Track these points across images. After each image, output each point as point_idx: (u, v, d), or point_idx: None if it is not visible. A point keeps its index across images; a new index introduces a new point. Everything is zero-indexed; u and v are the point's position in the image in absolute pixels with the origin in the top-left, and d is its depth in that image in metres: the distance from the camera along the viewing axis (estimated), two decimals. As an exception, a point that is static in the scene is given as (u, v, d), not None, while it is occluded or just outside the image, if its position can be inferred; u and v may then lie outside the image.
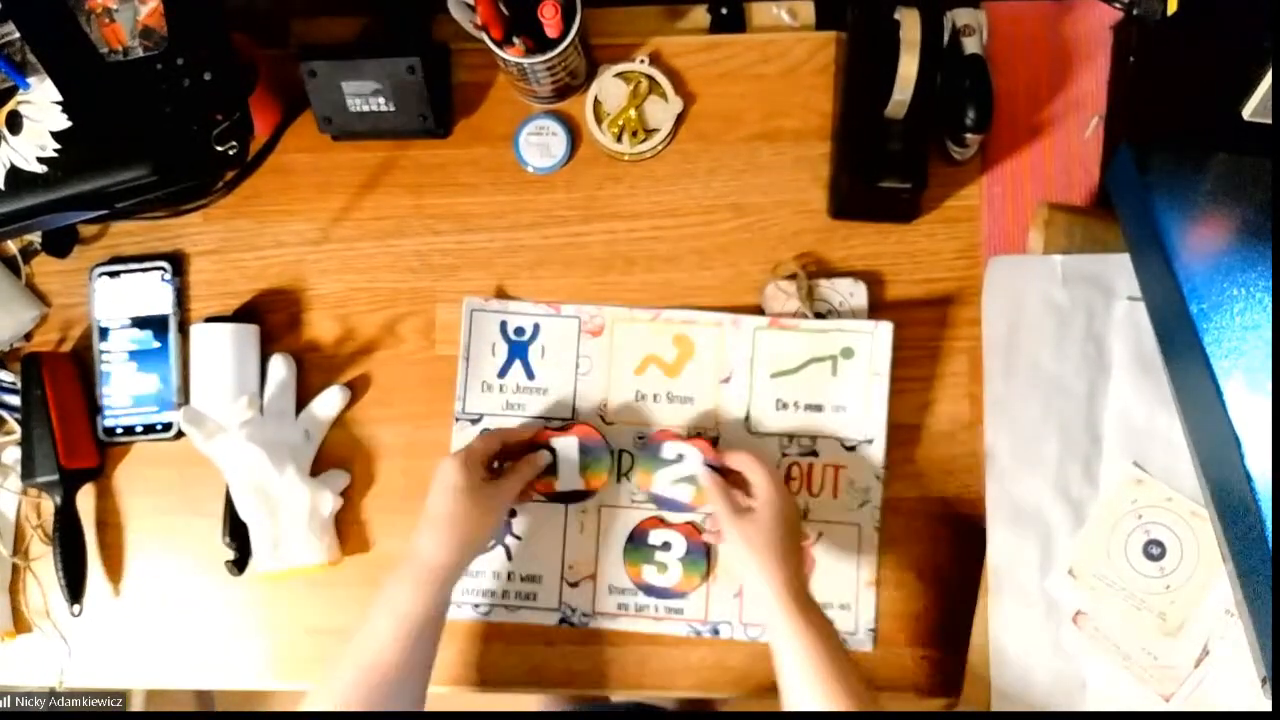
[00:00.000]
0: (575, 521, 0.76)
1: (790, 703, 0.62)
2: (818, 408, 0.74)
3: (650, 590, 0.74)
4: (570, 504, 0.75)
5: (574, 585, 0.75)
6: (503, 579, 0.76)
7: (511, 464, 0.72)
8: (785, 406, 0.74)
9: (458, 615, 0.75)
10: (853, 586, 0.73)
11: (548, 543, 0.76)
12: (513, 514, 0.76)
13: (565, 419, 0.76)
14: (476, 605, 0.76)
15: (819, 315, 0.74)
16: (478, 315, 0.78)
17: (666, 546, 0.74)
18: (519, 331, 0.78)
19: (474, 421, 0.77)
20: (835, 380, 0.73)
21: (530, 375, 0.77)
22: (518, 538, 0.76)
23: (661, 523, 0.74)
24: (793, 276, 0.74)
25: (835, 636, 0.63)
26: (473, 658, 0.76)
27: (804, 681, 0.60)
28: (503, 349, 0.78)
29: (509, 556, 0.76)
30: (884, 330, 0.72)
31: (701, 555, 0.74)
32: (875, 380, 0.73)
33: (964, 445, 0.74)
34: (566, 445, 0.74)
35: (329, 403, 0.78)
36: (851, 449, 0.73)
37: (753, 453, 0.69)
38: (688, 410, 0.76)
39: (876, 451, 0.73)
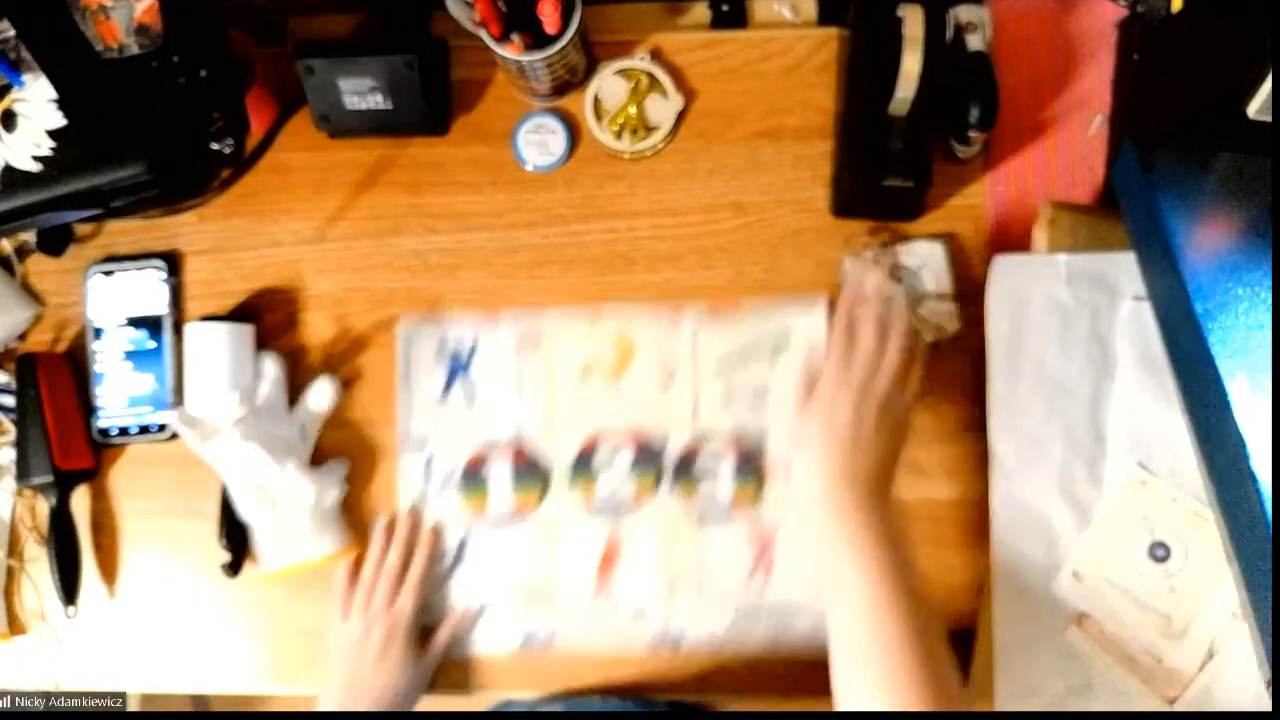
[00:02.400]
0: (532, 541, 0.75)
1: (831, 645, 0.53)
2: (763, 395, 0.73)
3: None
4: (503, 527, 0.75)
5: (533, 606, 0.74)
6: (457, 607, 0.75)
7: (439, 629, 0.73)
8: (732, 398, 0.74)
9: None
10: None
11: (504, 565, 0.75)
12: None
13: (509, 438, 0.75)
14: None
15: (899, 281, 0.73)
16: (415, 337, 0.77)
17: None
18: (455, 355, 0.77)
19: (420, 448, 0.76)
20: (777, 367, 0.73)
21: (470, 395, 0.76)
22: (467, 562, 0.75)
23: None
24: (871, 248, 0.73)
25: (899, 548, 0.52)
26: (467, 661, 0.75)
27: (841, 615, 0.50)
28: (441, 370, 0.77)
29: (460, 583, 0.75)
30: (818, 312, 0.72)
31: (751, 473, 0.73)
32: None
33: (967, 446, 0.73)
34: (500, 469, 0.75)
35: (320, 394, 0.77)
36: None
37: (849, 303, 0.63)
38: (634, 415, 0.75)
39: None
